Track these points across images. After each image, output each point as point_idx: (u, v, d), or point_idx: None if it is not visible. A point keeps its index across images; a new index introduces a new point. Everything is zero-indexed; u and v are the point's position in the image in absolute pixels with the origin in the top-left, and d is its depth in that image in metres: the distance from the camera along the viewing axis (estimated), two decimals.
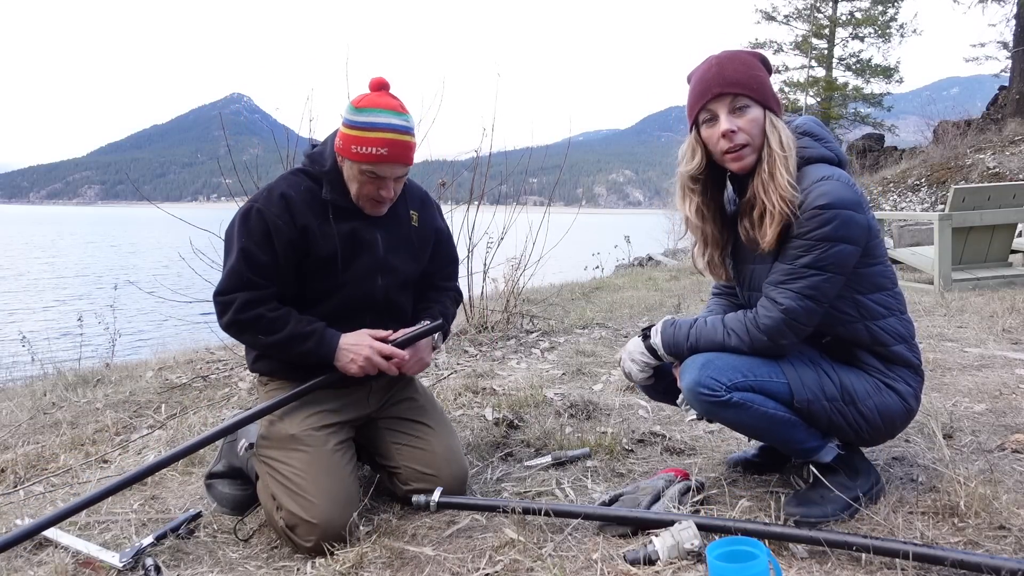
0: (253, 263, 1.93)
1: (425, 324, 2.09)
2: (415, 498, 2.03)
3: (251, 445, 2.07)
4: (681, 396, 1.86)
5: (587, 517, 1.85)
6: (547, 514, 1.86)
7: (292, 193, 1.98)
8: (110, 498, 2.26)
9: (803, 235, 1.69)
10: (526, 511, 1.89)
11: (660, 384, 2.00)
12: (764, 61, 1.82)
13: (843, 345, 1.84)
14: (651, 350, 1.91)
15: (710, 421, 1.94)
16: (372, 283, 2.08)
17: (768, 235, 1.73)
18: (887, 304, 1.82)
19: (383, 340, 2.01)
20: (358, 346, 1.97)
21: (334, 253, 2.01)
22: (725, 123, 1.74)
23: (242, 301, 1.92)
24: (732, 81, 1.73)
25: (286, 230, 1.94)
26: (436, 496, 2.01)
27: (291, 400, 2.00)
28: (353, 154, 1.92)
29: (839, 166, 1.78)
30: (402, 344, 2.03)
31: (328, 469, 1.93)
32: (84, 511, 2.12)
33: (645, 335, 1.93)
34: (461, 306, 4.78)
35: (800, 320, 1.72)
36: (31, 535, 1.81)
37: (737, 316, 1.81)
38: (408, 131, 1.95)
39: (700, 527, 1.67)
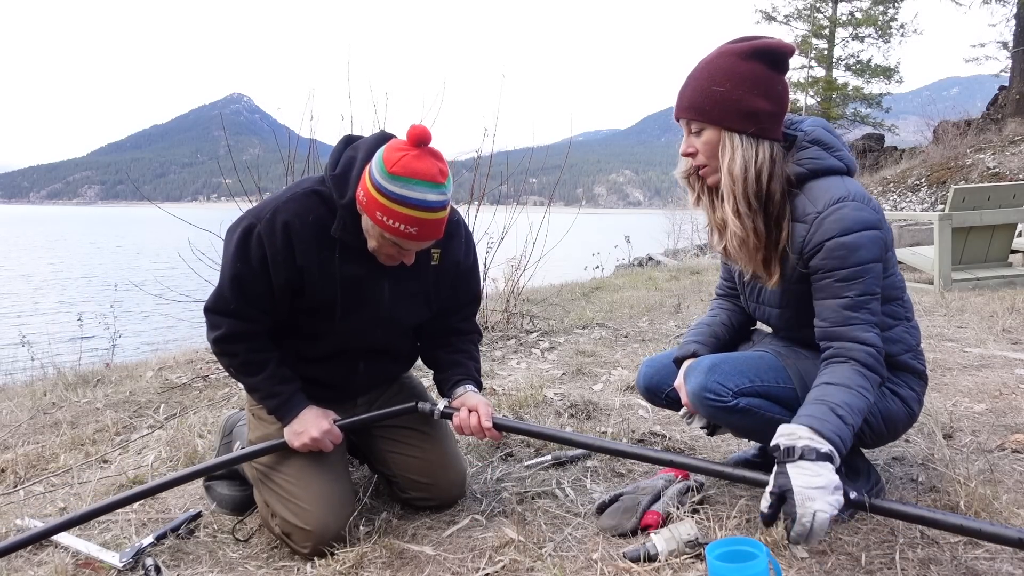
0: (247, 292, 1.81)
1: (394, 409, 2.02)
2: (420, 405, 1.99)
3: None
4: (683, 410, 1.84)
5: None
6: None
7: (297, 224, 1.78)
8: (110, 497, 2.27)
9: (843, 267, 1.62)
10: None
11: (663, 391, 1.98)
12: (763, 55, 1.64)
13: None
14: (827, 458, 1.45)
15: (711, 432, 1.90)
16: (370, 334, 1.98)
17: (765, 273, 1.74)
18: (895, 314, 1.79)
19: (338, 421, 1.95)
20: (311, 426, 1.88)
21: (332, 299, 1.86)
22: (682, 145, 1.74)
23: (228, 331, 1.83)
24: (685, 105, 1.69)
25: (284, 265, 1.79)
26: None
27: (276, 449, 1.92)
28: (378, 220, 1.71)
29: (848, 174, 1.72)
30: (353, 427, 1.98)
31: (320, 473, 1.89)
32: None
33: (826, 457, 1.44)
34: None
35: (880, 346, 1.64)
36: (33, 542, 1.80)
37: (848, 371, 1.60)
38: (443, 206, 1.73)
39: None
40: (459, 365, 2.06)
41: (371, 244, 1.81)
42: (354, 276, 1.86)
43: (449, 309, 2.09)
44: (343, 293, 1.87)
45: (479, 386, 2.04)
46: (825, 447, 1.44)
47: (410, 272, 1.91)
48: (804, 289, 1.72)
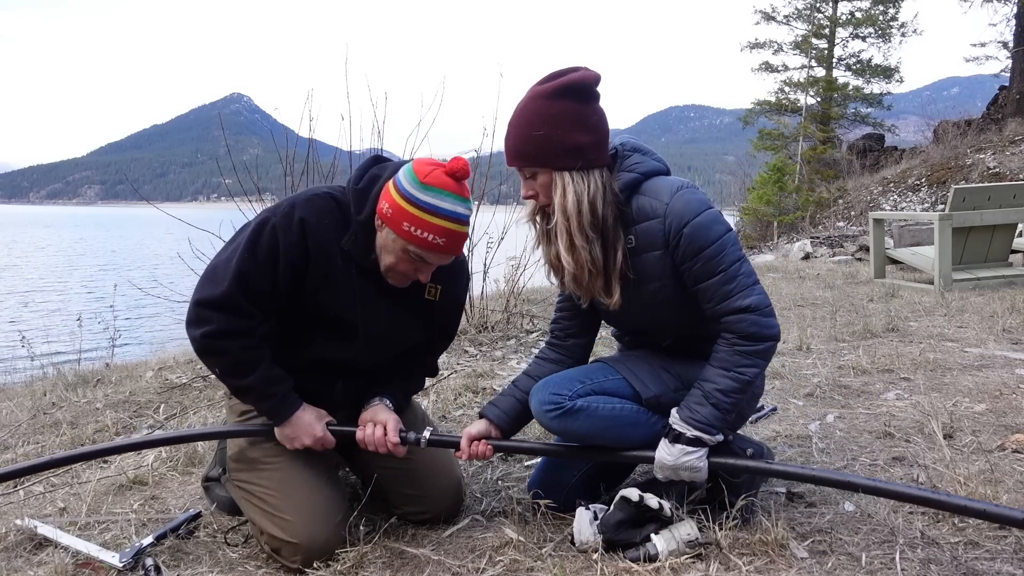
0: (250, 286, 1.74)
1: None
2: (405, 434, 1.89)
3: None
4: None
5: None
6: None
7: (312, 222, 1.77)
8: (110, 497, 2.28)
9: (707, 245, 1.67)
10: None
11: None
12: (569, 92, 1.64)
13: (686, 343, 1.86)
14: (696, 442, 1.70)
15: (563, 436, 1.85)
16: (358, 353, 1.92)
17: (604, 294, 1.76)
18: None
19: (330, 425, 1.89)
20: (304, 433, 1.84)
21: (329, 305, 1.84)
22: (522, 190, 1.76)
23: (220, 327, 1.73)
24: (512, 154, 1.72)
25: (293, 261, 1.76)
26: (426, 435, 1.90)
27: (228, 435, 1.92)
28: (404, 231, 1.70)
29: (668, 174, 1.80)
30: (343, 435, 1.91)
31: (303, 483, 1.84)
32: (84, 511, 2.13)
33: (676, 437, 1.70)
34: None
35: (767, 303, 1.70)
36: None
37: (722, 354, 1.70)
38: (468, 221, 1.77)
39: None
40: (387, 384, 2.01)
41: (387, 260, 1.79)
42: (354, 288, 1.84)
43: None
44: (341, 301, 1.84)
45: (396, 405, 1.99)
46: (680, 430, 1.69)
47: (408, 300, 1.90)
48: (680, 282, 1.74)
